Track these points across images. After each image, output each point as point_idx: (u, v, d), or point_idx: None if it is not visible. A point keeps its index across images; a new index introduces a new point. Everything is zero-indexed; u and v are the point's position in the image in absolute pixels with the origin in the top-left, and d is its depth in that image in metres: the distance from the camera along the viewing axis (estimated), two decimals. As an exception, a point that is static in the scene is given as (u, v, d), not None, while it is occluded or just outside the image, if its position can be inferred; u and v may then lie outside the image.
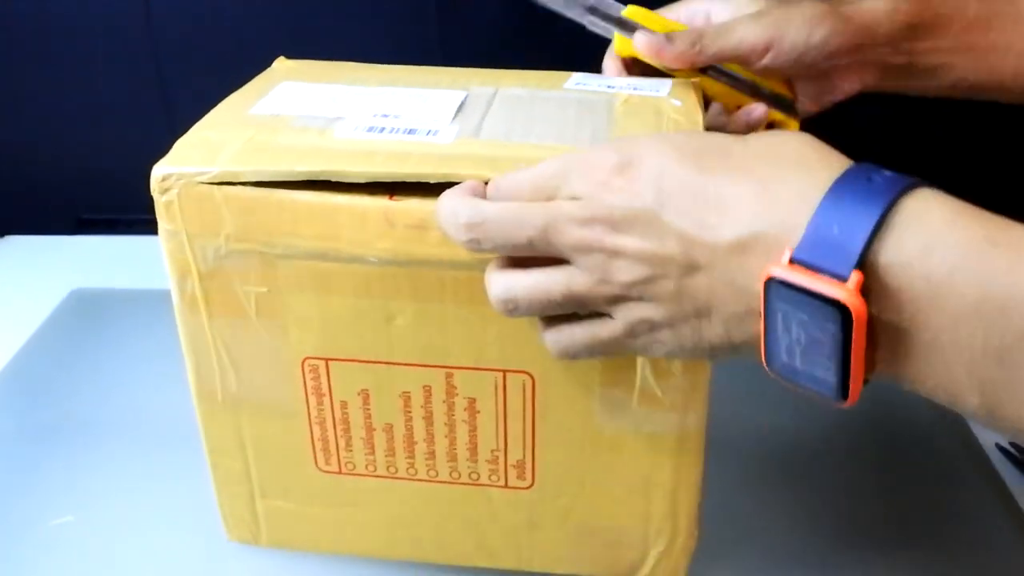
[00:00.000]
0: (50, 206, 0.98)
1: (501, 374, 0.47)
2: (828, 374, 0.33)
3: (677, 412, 0.48)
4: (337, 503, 0.53)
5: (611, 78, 0.59)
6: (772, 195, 0.34)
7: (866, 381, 0.34)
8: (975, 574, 0.58)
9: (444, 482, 0.51)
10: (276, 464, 0.52)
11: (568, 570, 0.54)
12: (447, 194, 0.41)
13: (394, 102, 0.51)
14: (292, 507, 0.54)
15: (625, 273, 0.37)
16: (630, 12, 0.61)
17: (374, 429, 0.50)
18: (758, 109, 0.60)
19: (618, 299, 0.38)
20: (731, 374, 0.52)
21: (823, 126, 0.63)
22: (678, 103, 0.52)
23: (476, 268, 0.44)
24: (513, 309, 0.40)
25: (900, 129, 0.92)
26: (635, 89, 0.54)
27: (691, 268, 0.36)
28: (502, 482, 0.51)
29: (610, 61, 0.62)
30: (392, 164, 0.44)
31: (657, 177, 0.36)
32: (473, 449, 0.50)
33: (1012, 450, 0.66)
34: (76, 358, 0.78)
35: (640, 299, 0.38)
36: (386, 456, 0.51)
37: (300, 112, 0.50)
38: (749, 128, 0.61)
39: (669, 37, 0.55)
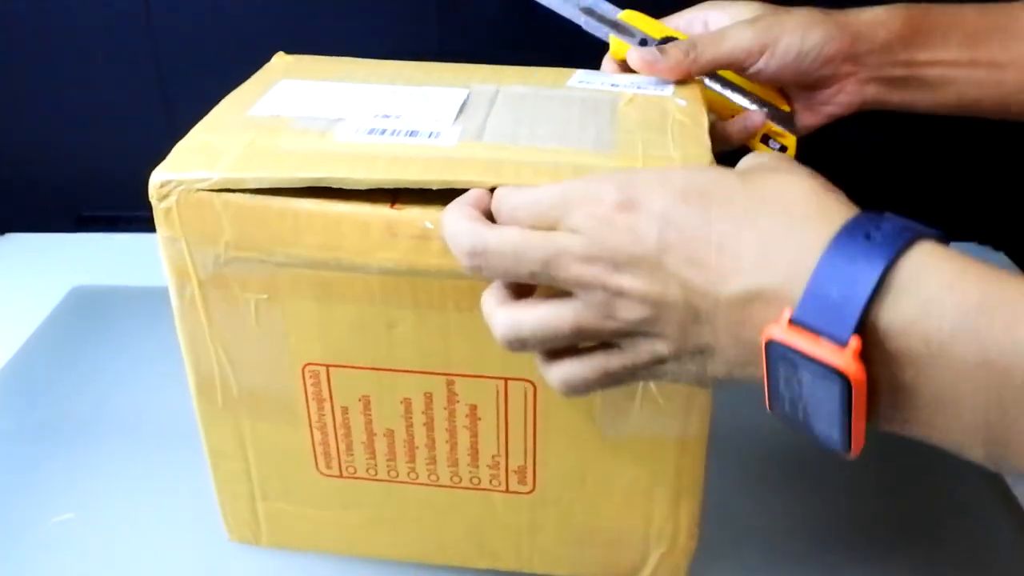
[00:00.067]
0: (50, 204, 0.97)
1: (503, 382, 0.47)
2: (831, 429, 0.34)
3: (679, 417, 0.48)
4: (338, 505, 0.53)
5: (615, 76, 0.58)
6: (774, 250, 0.34)
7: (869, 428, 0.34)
8: (975, 574, 0.59)
9: (445, 486, 0.51)
10: (277, 467, 0.52)
11: (569, 571, 0.54)
12: (451, 210, 0.40)
13: (395, 101, 0.50)
14: (293, 508, 0.54)
15: (629, 311, 0.37)
16: (626, 16, 0.60)
17: (375, 434, 0.50)
18: (756, 116, 0.60)
19: (625, 334, 0.38)
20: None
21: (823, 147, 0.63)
22: (683, 103, 0.52)
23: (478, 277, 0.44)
24: (521, 347, 0.39)
25: (897, 151, 0.93)
26: (639, 88, 0.54)
27: (693, 315, 0.36)
28: (503, 487, 0.51)
29: (608, 64, 0.61)
30: (394, 170, 0.43)
31: (660, 221, 0.35)
32: (474, 454, 0.50)
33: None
34: (76, 356, 0.78)
35: (646, 335, 0.37)
36: (387, 461, 0.51)
37: (300, 113, 0.49)
38: (747, 134, 0.61)
39: (661, 49, 0.55)
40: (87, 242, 0.95)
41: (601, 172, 0.38)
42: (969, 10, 0.59)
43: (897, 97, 0.60)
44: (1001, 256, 0.94)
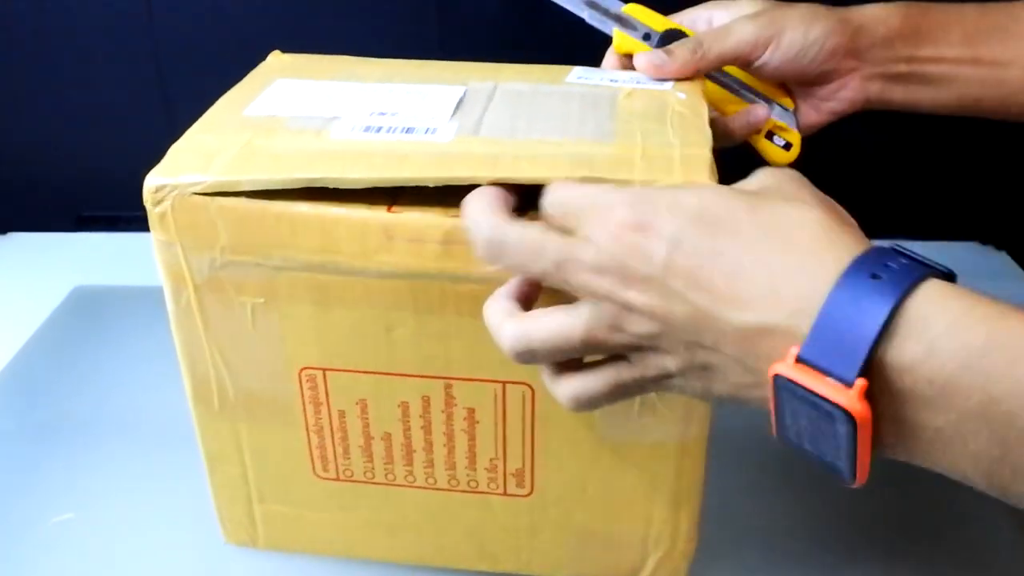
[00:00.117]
0: (51, 203, 0.97)
1: (501, 385, 0.47)
2: (836, 459, 0.34)
3: (678, 423, 0.47)
4: (335, 508, 0.53)
5: (614, 72, 0.58)
6: (782, 286, 0.34)
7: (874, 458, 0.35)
8: (975, 574, 0.58)
9: (443, 489, 0.51)
10: (274, 470, 0.52)
11: (567, 574, 0.54)
12: (474, 199, 0.41)
13: (391, 99, 0.50)
14: (290, 511, 0.54)
15: (637, 325, 0.37)
16: (630, 9, 0.60)
17: (372, 438, 0.50)
18: (760, 110, 0.60)
19: (634, 347, 0.38)
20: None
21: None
22: (683, 95, 0.52)
23: (476, 281, 0.44)
24: (530, 359, 0.40)
25: (900, 150, 0.93)
26: (638, 83, 0.53)
27: (698, 336, 0.36)
28: (501, 490, 0.51)
29: (611, 58, 0.61)
30: (391, 167, 0.43)
31: (669, 245, 0.35)
32: (472, 458, 0.50)
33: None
34: (77, 356, 0.78)
35: (655, 349, 0.38)
36: (384, 464, 0.51)
37: (296, 112, 0.49)
38: (750, 128, 0.61)
39: (667, 51, 0.55)
40: (88, 242, 0.95)
41: (620, 185, 0.39)
42: (969, 9, 0.59)
43: (899, 95, 0.60)
44: (1003, 256, 0.93)
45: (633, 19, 0.60)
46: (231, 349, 0.48)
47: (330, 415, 0.49)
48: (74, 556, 0.59)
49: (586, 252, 0.37)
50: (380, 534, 0.54)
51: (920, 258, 0.34)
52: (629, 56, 0.60)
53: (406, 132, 0.46)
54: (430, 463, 0.50)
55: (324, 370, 0.48)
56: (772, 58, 0.57)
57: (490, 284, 0.43)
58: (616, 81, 0.53)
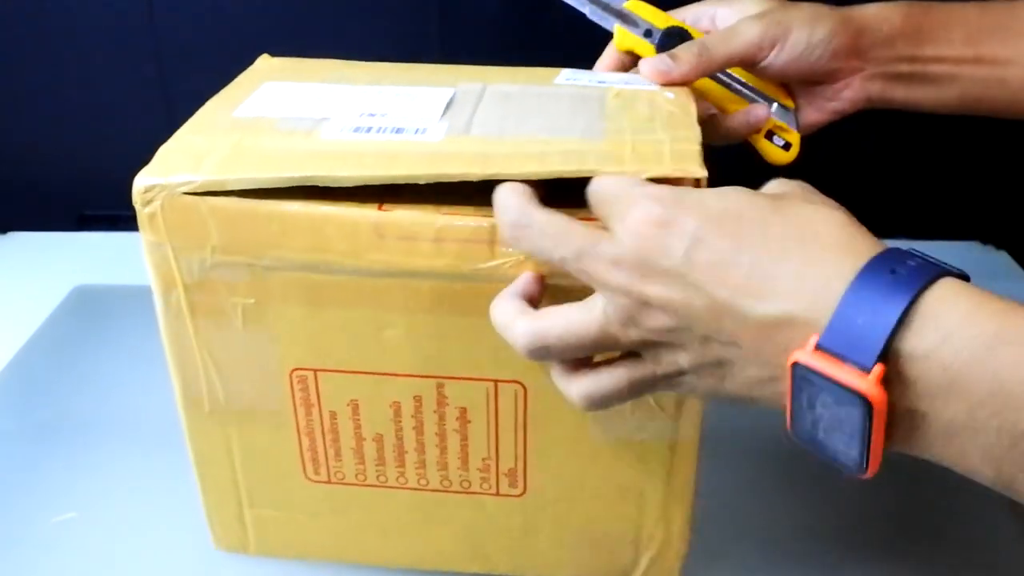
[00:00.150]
0: (52, 203, 0.98)
1: (493, 384, 0.47)
2: (849, 449, 0.35)
3: (671, 420, 0.47)
4: (327, 511, 0.53)
5: (601, 73, 0.58)
6: (804, 280, 0.35)
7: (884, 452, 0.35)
8: (976, 574, 0.58)
9: (435, 490, 0.51)
10: (264, 474, 0.52)
11: (561, 574, 0.54)
12: (505, 186, 0.41)
13: (380, 101, 0.50)
14: (281, 515, 0.53)
15: (653, 320, 0.38)
16: (631, 5, 0.60)
17: (364, 439, 0.49)
18: (760, 109, 0.60)
19: (647, 343, 0.39)
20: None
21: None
22: (671, 95, 0.52)
23: (468, 279, 0.44)
24: (544, 356, 0.40)
25: (901, 150, 0.92)
26: (627, 83, 0.53)
27: (717, 329, 0.37)
28: (494, 490, 0.50)
29: (610, 54, 0.61)
30: (381, 166, 0.43)
31: (691, 240, 0.36)
32: (464, 458, 0.49)
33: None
34: (78, 355, 0.78)
35: (669, 345, 0.39)
36: (376, 466, 0.50)
37: (285, 113, 0.49)
38: (749, 128, 0.60)
39: (672, 55, 0.55)
40: (89, 241, 0.95)
41: (649, 183, 0.39)
42: (971, 8, 0.59)
43: (901, 94, 0.60)
44: (1003, 255, 0.93)
45: (634, 15, 0.60)
46: (221, 351, 0.48)
47: (321, 416, 0.49)
48: (74, 556, 0.59)
49: (606, 244, 0.38)
50: (372, 537, 0.54)
51: (935, 259, 0.35)
52: (629, 53, 0.60)
53: (396, 132, 0.46)
54: (422, 464, 0.50)
55: (315, 371, 0.47)
56: (777, 59, 0.57)
57: (483, 282, 0.43)
58: (604, 82, 0.54)
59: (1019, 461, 0.32)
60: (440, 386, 0.47)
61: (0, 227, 0.99)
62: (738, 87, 0.60)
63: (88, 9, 0.89)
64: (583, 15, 0.60)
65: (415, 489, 0.51)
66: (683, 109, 0.50)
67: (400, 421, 0.48)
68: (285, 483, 0.52)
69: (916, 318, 0.33)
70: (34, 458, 0.67)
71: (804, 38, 0.56)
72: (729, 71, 0.60)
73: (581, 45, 0.60)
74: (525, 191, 0.41)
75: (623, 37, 0.59)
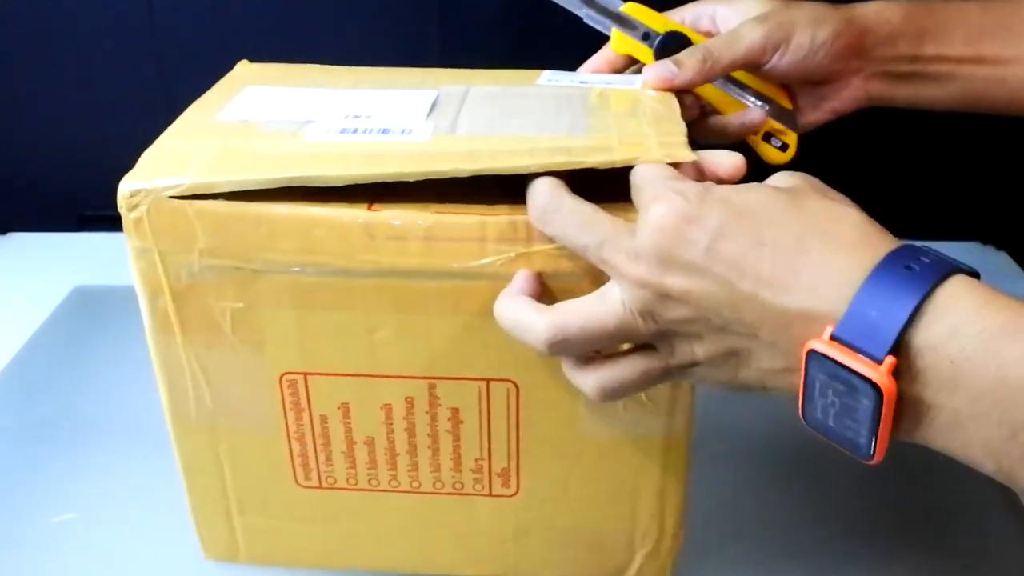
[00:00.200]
0: (52, 203, 0.97)
1: (485, 383, 0.47)
2: (858, 436, 0.36)
3: (663, 416, 0.47)
4: (318, 518, 0.52)
5: (583, 74, 0.58)
6: (822, 273, 0.36)
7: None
8: (975, 574, 0.58)
9: (427, 493, 0.51)
10: (254, 481, 0.51)
11: (554, 575, 0.54)
12: (540, 178, 0.42)
13: (364, 103, 0.50)
14: (271, 523, 0.53)
15: (671, 311, 0.39)
16: (629, 9, 0.59)
17: (355, 443, 0.49)
18: (755, 113, 0.60)
19: (663, 334, 0.40)
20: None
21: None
22: (653, 93, 0.52)
23: (458, 277, 0.43)
24: (563, 348, 0.41)
25: (901, 150, 0.92)
26: (608, 83, 0.54)
27: (736, 319, 0.37)
28: (486, 491, 0.50)
29: (607, 57, 0.60)
30: (370, 165, 0.42)
31: (713, 235, 0.37)
32: (457, 459, 0.49)
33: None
34: (78, 355, 0.78)
35: (685, 335, 0.39)
36: (368, 469, 0.50)
37: (269, 116, 0.48)
38: (745, 130, 0.60)
39: (676, 61, 0.54)
40: (89, 242, 0.95)
41: (678, 180, 0.40)
42: (973, 7, 0.59)
43: (902, 93, 0.60)
44: (1003, 256, 0.93)
45: (632, 19, 0.59)
46: (209, 357, 0.47)
47: (312, 421, 0.49)
48: (74, 556, 0.59)
49: (628, 236, 0.39)
50: (364, 543, 0.54)
51: (948, 257, 0.36)
52: (626, 57, 0.59)
53: (382, 133, 0.46)
54: (414, 466, 0.50)
55: (305, 375, 0.47)
56: (779, 62, 0.56)
57: (474, 280, 0.43)
58: (586, 82, 0.54)
59: (1018, 453, 0.33)
60: (432, 387, 0.47)
61: (0, 228, 0.99)
62: (736, 88, 0.60)
63: (88, 9, 0.89)
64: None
65: (407, 492, 0.51)
66: (666, 106, 0.50)
67: (392, 423, 0.48)
68: (275, 490, 0.51)
69: (927, 312, 0.34)
70: (34, 458, 0.67)
71: (807, 41, 0.56)
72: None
73: (582, 46, 0.61)
74: (557, 179, 0.42)
75: (620, 41, 0.59)
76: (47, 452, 0.67)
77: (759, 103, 0.60)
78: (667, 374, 0.41)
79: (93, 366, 0.77)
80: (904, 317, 0.34)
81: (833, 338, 0.35)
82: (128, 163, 0.45)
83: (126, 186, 0.43)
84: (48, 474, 0.65)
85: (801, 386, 0.37)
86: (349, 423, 0.48)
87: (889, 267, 0.35)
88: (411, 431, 0.48)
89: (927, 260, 0.35)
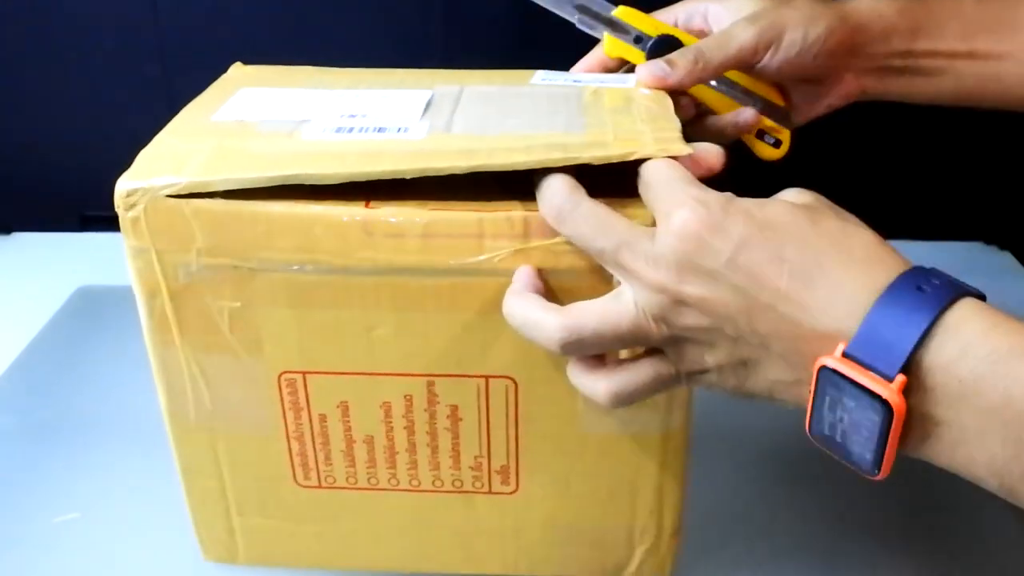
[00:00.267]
0: (56, 203, 0.98)
1: (483, 380, 0.47)
2: (864, 452, 0.37)
3: (661, 412, 0.47)
4: (318, 518, 0.52)
5: (576, 74, 0.58)
6: (838, 291, 0.37)
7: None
8: (975, 574, 0.58)
9: (427, 491, 0.50)
10: (253, 482, 0.51)
11: (555, 572, 0.54)
12: (554, 174, 0.42)
13: (359, 103, 0.50)
14: (271, 523, 0.53)
15: (685, 318, 0.39)
16: (621, 13, 0.59)
17: (354, 441, 0.49)
18: (748, 114, 0.60)
19: (674, 340, 0.40)
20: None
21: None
22: (646, 91, 0.52)
23: (456, 274, 0.43)
24: (576, 349, 0.41)
25: (903, 150, 0.92)
26: (602, 82, 0.54)
27: (751, 330, 0.38)
28: (486, 488, 0.50)
29: (599, 60, 0.60)
30: (366, 163, 0.42)
31: (737, 245, 0.38)
32: (456, 457, 0.49)
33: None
34: (81, 355, 0.79)
35: (697, 342, 0.40)
36: (367, 468, 0.50)
37: (264, 116, 0.48)
38: (738, 130, 0.60)
39: (669, 61, 0.54)
40: (92, 242, 0.96)
41: (699, 191, 0.40)
42: (966, 2, 0.59)
43: (895, 88, 0.60)
44: (1007, 256, 0.93)
45: (625, 23, 0.59)
46: (207, 357, 0.47)
47: (311, 420, 0.48)
48: (75, 556, 0.59)
49: (648, 241, 0.39)
50: (364, 542, 0.53)
51: (957, 280, 0.37)
52: (618, 59, 0.59)
53: (378, 131, 0.46)
54: (414, 464, 0.50)
55: (304, 374, 0.47)
56: (772, 62, 0.56)
57: (471, 276, 0.43)
58: (579, 81, 0.54)
59: (1022, 471, 0.34)
60: (430, 384, 0.47)
61: (3, 228, 0.99)
62: (728, 87, 0.60)
63: (92, 9, 0.89)
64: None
65: (407, 491, 0.51)
66: (660, 104, 0.50)
67: (391, 421, 0.48)
68: (275, 490, 0.51)
69: (938, 333, 0.35)
70: (36, 458, 0.67)
71: (799, 39, 0.56)
72: None
73: (584, 48, 0.60)
74: (574, 180, 0.42)
75: (613, 45, 0.59)
76: (48, 452, 0.68)
77: (752, 102, 0.60)
78: (677, 380, 0.42)
79: (95, 366, 0.77)
80: (916, 337, 0.35)
81: (845, 355, 0.36)
82: (131, 164, 0.45)
83: (123, 185, 0.43)
84: (49, 474, 0.66)
85: (810, 401, 0.38)
86: (348, 422, 0.48)
87: (901, 288, 0.36)
88: (410, 429, 0.48)
89: (938, 282, 0.36)
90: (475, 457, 0.49)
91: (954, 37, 0.58)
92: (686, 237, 0.38)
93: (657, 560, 0.52)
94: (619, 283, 0.42)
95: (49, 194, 0.98)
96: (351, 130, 0.46)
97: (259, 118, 0.48)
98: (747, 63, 0.57)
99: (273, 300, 0.45)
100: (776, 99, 0.60)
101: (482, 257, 0.43)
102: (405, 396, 0.47)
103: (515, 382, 0.47)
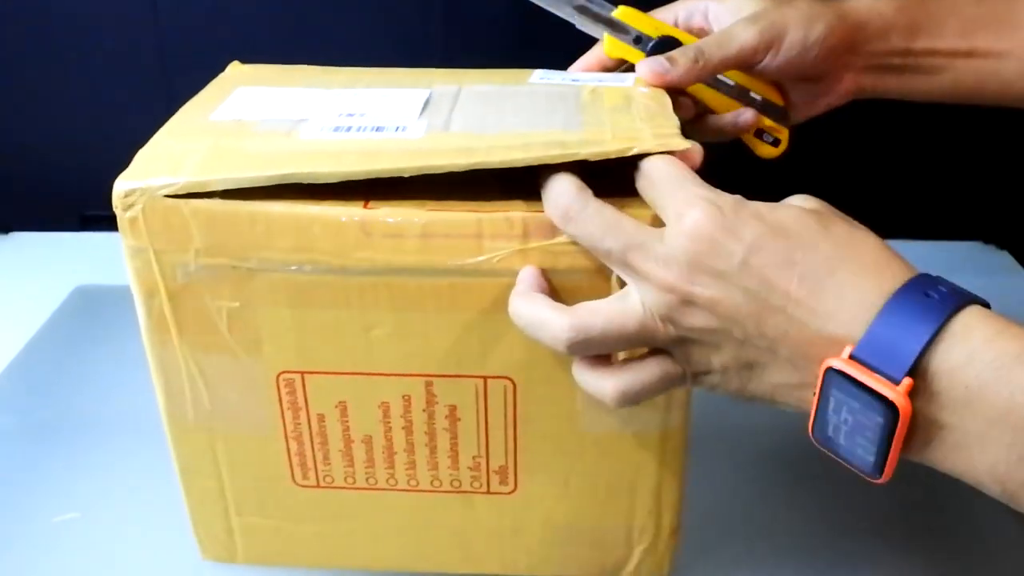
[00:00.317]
0: (55, 203, 0.98)
1: (482, 380, 0.47)
2: (867, 455, 0.37)
3: (660, 410, 0.47)
4: (316, 517, 0.52)
5: (574, 72, 0.58)
6: (847, 295, 0.37)
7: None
8: (975, 574, 0.58)
9: (425, 491, 0.50)
10: (252, 482, 0.51)
11: (553, 572, 0.54)
12: (562, 173, 0.42)
13: (357, 102, 0.50)
14: (269, 523, 0.53)
15: (693, 319, 0.39)
16: (620, 13, 0.59)
17: (352, 441, 0.49)
18: (747, 113, 0.60)
19: (680, 341, 0.40)
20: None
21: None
22: (645, 90, 0.52)
23: (455, 274, 0.43)
24: (583, 348, 0.41)
25: (903, 150, 0.92)
26: (600, 81, 0.54)
27: (757, 337, 0.38)
28: (484, 488, 0.50)
29: (599, 60, 0.60)
30: (365, 162, 0.42)
31: (749, 247, 0.38)
32: (454, 457, 0.49)
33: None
34: (80, 355, 0.79)
35: (703, 344, 0.40)
36: (365, 468, 0.50)
37: (262, 116, 0.48)
38: (737, 129, 0.60)
39: (669, 59, 0.54)
40: (91, 241, 0.96)
41: (710, 193, 0.40)
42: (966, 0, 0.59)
43: (894, 86, 0.60)
44: (1005, 255, 0.93)
45: (625, 23, 0.59)
46: (206, 357, 0.47)
47: (309, 420, 0.48)
48: (75, 556, 0.59)
49: (657, 242, 0.39)
50: (362, 542, 0.53)
51: (962, 288, 0.37)
52: (619, 61, 0.59)
53: (376, 131, 0.46)
54: (412, 464, 0.50)
55: (302, 374, 0.47)
56: (772, 61, 0.56)
57: (470, 277, 0.43)
58: (578, 80, 0.54)
59: (1022, 476, 0.35)
60: (429, 384, 0.47)
61: (2, 227, 0.99)
62: (727, 87, 0.60)
63: (92, 9, 0.89)
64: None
65: (405, 491, 0.51)
66: (659, 102, 0.50)
67: (389, 421, 0.48)
68: (273, 490, 0.51)
69: (945, 338, 0.35)
70: (35, 458, 0.67)
71: (800, 39, 0.56)
72: None
73: (585, 48, 0.60)
74: (580, 180, 0.42)
75: (612, 46, 0.59)
76: (47, 451, 0.68)
77: (751, 101, 0.60)
78: (682, 380, 0.42)
79: (94, 366, 0.77)
80: (923, 341, 0.35)
81: (852, 358, 0.36)
82: (131, 163, 0.45)
83: (121, 186, 0.43)
84: (48, 474, 0.66)
85: (815, 403, 0.38)
86: (347, 422, 0.48)
87: (909, 294, 0.36)
88: (408, 429, 0.48)
89: (944, 289, 0.36)
90: (473, 457, 0.49)
91: (953, 35, 0.58)
92: (698, 238, 0.38)
93: (655, 559, 0.52)
94: (619, 283, 0.42)
95: (49, 194, 0.98)
96: (349, 129, 0.46)
97: (257, 117, 0.48)
98: (748, 63, 0.56)
99: (272, 300, 0.45)
100: (775, 98, 0.60)
101: (481, 258, 0.43)
102: (403, 396, 0.47)
103: (513, 382, 0.47)
